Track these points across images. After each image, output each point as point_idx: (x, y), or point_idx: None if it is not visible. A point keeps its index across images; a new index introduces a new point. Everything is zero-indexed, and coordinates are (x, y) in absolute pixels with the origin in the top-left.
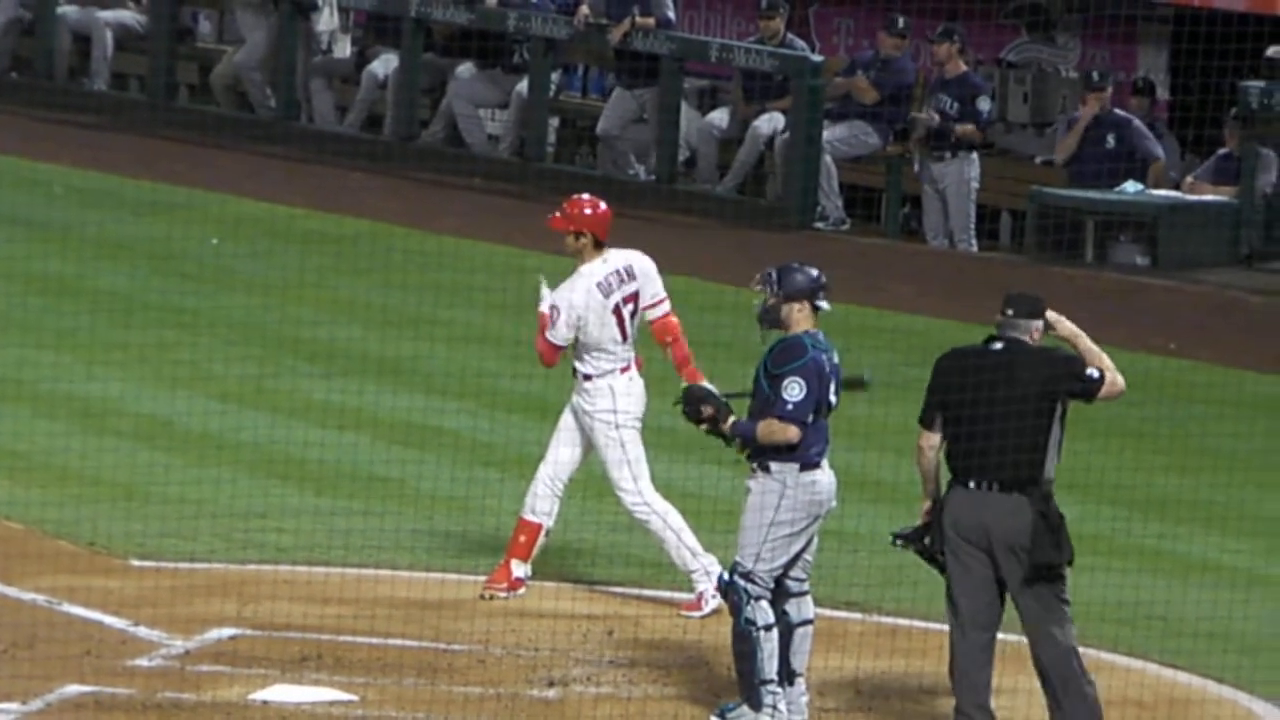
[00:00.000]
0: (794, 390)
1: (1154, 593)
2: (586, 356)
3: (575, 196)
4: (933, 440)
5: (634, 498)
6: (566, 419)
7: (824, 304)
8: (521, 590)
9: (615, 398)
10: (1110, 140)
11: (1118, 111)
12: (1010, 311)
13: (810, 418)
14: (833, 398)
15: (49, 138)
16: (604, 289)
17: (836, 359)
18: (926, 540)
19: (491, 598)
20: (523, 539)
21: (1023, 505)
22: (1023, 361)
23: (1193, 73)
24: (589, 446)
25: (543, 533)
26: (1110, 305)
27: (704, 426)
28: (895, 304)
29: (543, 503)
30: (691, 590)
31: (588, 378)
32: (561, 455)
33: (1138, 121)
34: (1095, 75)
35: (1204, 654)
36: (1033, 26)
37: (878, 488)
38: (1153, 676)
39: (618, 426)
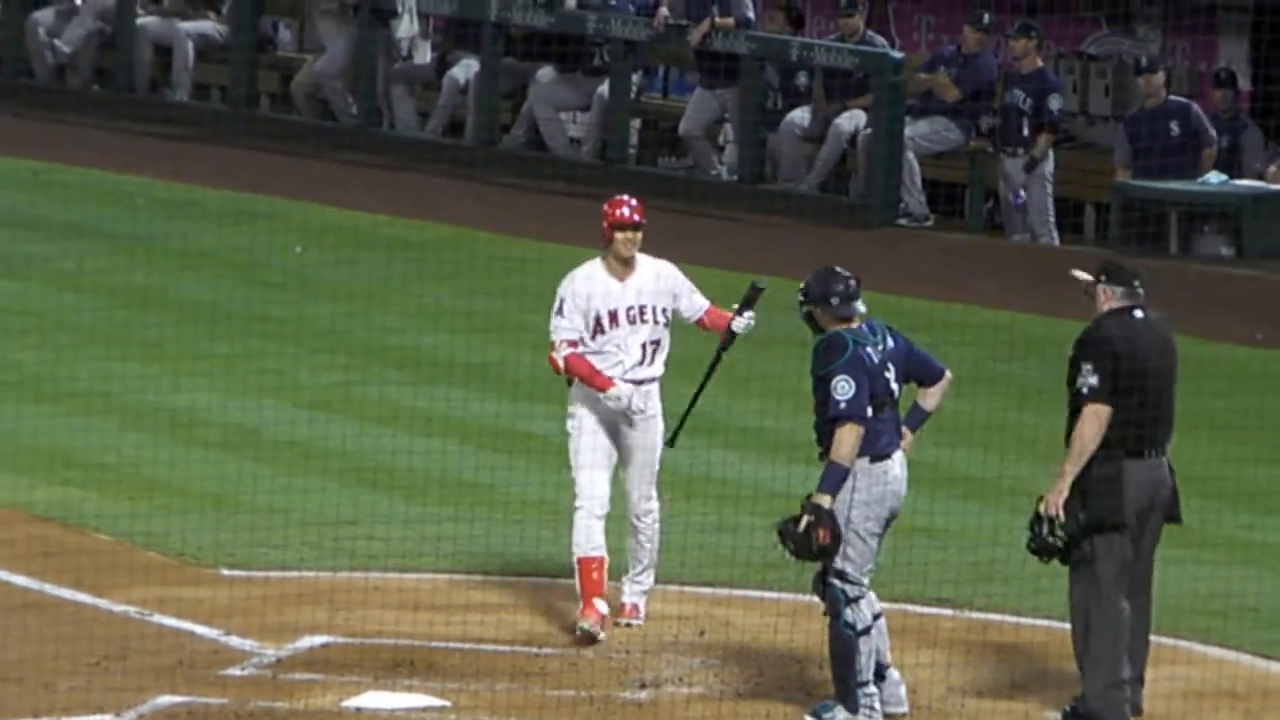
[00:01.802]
0: (842, 388)
1: (1245, 584)
2: (660, 356)
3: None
4: (1108, 414)
5: (657, 503)
6: (600, 439)
7: (854, 308)
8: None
9: (659, 396)
10: (1174, 128)
11: (1176, 98)
12: (1137, 283)
13: (868, 410)
14: (893, 385)
15: (131, 150)
16: None
17: (894, 344)
18: (1051, 535)
19: (590, 632)
20: (595, 576)
21: (1167, 466)
22: (1164, 329)
23: (1275, 62)
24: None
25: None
26: (1195, 296)
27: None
28: (980, 299)
29: (597, 535)
30: (622, 601)
31: (654, 380)
32: (607, 484)
33: (1197, 107)
34: (1144, 60)
35: None
36: (1113, 19)
37: (967, 483)
38: (1246, 668)
39: (661, 429)
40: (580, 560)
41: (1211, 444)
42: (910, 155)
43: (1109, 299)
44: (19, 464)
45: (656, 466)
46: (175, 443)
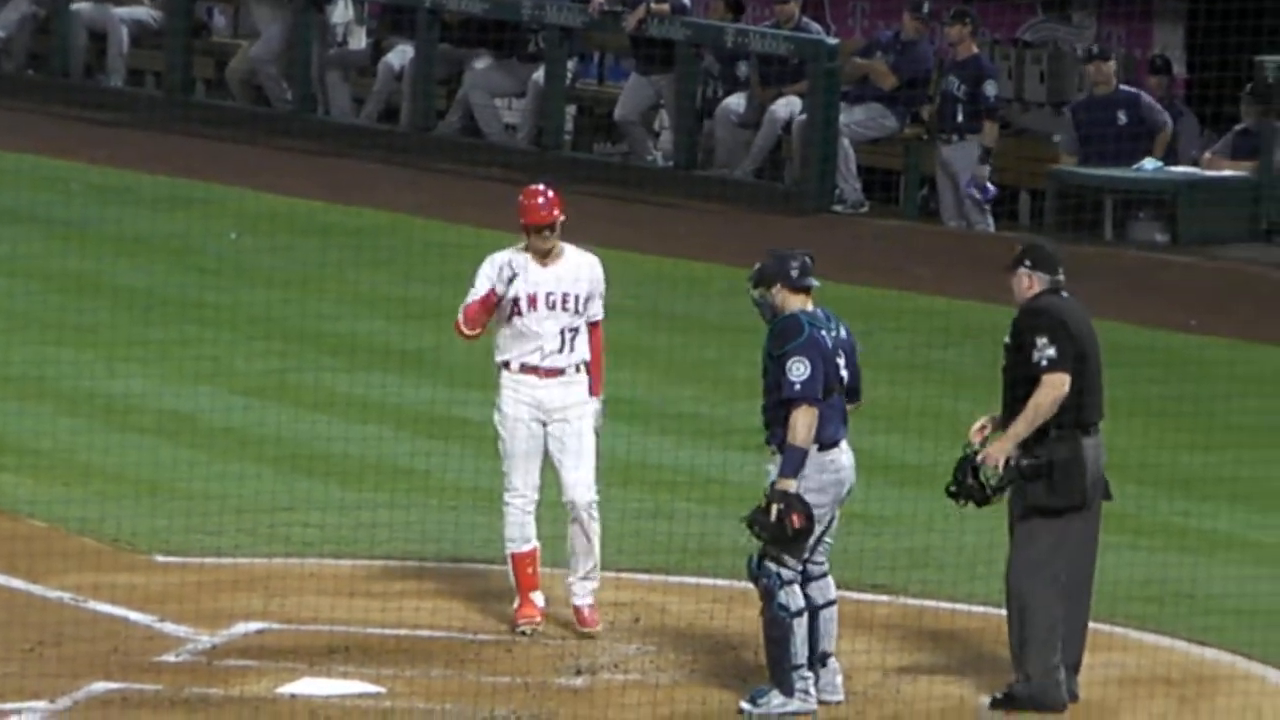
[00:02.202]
0: (798, 369)
1: (1180, 570)
2: (580, 342)
3: (533, 187)
4: (1067, 384)
5: (596, 497)
6: (524, 430)
7: (810, 281)
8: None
9: (587, 387)
10: (1122, 117)
11: (1125, 88)
12: (1061, 269)
13: (821, 394)
14: (844, 373)
15: (65, 135)
16: None
17: (845, 334)
18: (974, 480)
19: (529, 632)
20: (530, 570)
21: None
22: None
23: (1210, 49)
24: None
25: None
26: (1130, 282)
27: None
28: (915, 285)
29: (529, 529)
30: (577, 604)
31: (578, 368)
32: (535, 475)
33: (1146, 96)
34: (1095, 48)
35: (1232, 630)
36: (1048, 5)
37: (902, 470)
38: (1181, 653)
39: (592, 417)
40: (514, 556)
41: (1146, 430)
42: (845, 142)
43: (1034, 284)
44: None
45: (593, 456)
46: (110, 428)
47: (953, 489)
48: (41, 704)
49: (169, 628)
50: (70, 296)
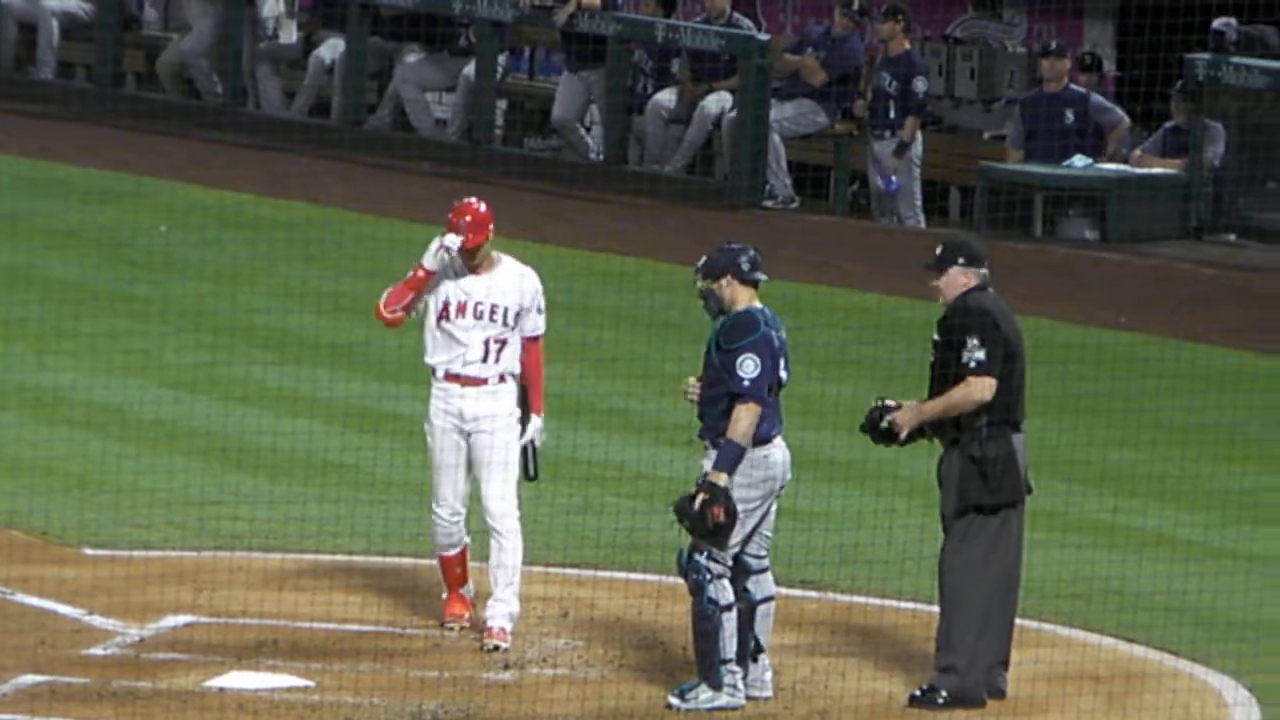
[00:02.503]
0: (749, 367)
1: (1109, 567)
2: (507, 354)
3: (466, 202)
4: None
5: (516, 511)
6: (450, 440)
7: (759, 275)
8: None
9: (516, 402)
10: (1069, 116)
11: (1075, 87)
12: (986, 265)
13: (766, 393)
14: (783, 374)
15: None
16: None
17: (785, 335)
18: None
19: (459, 629)
20: (458, 570)
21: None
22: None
23: (1140, 46)
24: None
25: (467, 550)
26: (1060, 279)
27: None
28: (846, 281)
29: (455, 535)
30: (490, 625)
31: (503, 379)
32: (460, 484)
33: (1097, 96)
34: (1053, 44)
35: (1160, 627)
36: (979, 3)
37: (831, 466)
38: (1109, 650)
39: (518, 431)
40: (441, 559)
41: (1076, 427)
42: (776, 138)
43: (968, 279)
44: None
45: (513, 473)
46: (39, 421)
47: (865, 428)
48: None
49: (97, 621)
50: (0, 289)
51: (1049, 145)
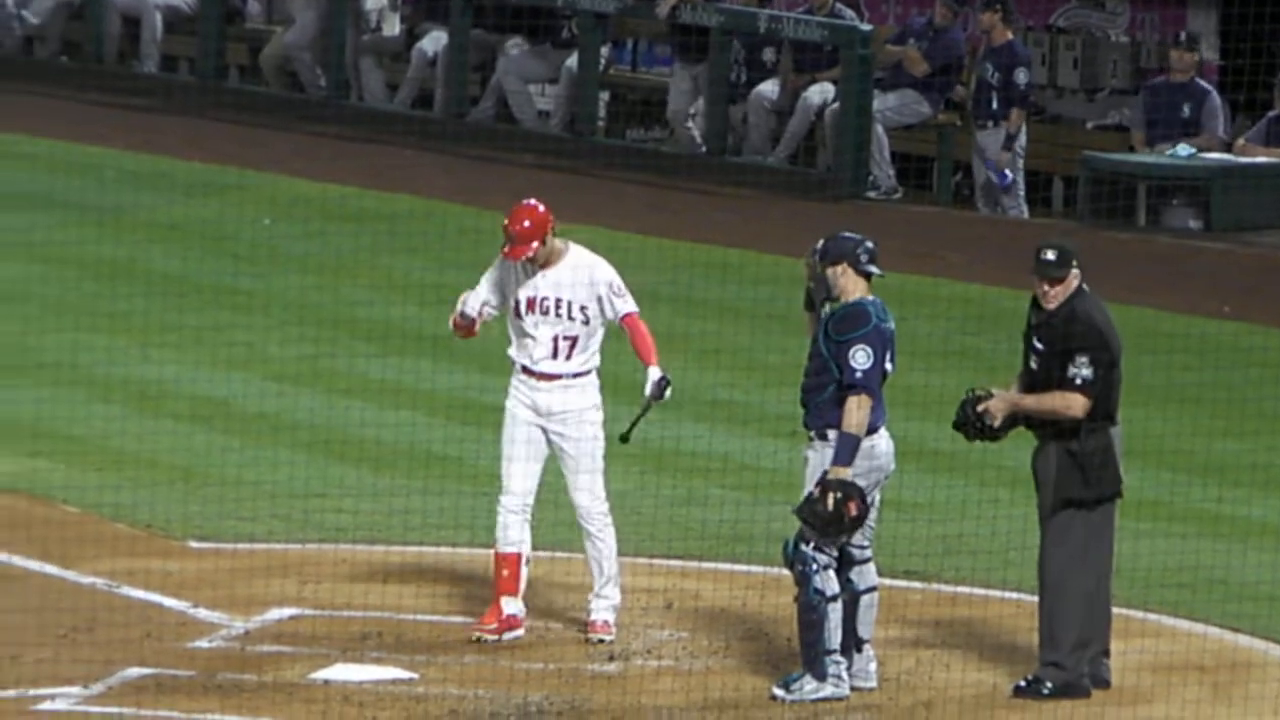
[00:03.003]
0: (861, 358)
1: (1213, 556)
2: (580, 352)
3: (521, 209)
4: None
5: (604, 505)
6: (523, 431)
7: (873, 269)
8: (520, 630)
9: (598, 392)
10: (1186, 109)
11: (1200, 82)
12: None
13: (878, 385)
14: (889, 365)
15: (99, 121)
16: None
17: (894, 327)
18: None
19: (480, 639)
20: (505, 573)
21: None
22: None
23: (1244, 35)
24: (547, 457)
25: (524, 561)
26: (1164, 269)
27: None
28: (949, 272)
29: (514, 531)
30: (592, 619)
31: (578, 375)
32: (530, 477)
33: (1216, 97)
34: (1183, 35)
35: (1265, 617)
36: None
37: (934, 457)
38: (1214, 640)
39: (601, 425)
40: (495, 556)
41: (1180, 417)
42: (879, 128)
43: (1075, 281)
44: None
45: (598, 466)
46: (144, 415)
47: (958, 424)
48: (75, 689)
49: (202, 613)
50: (104, 283)
51: (1166, 134)
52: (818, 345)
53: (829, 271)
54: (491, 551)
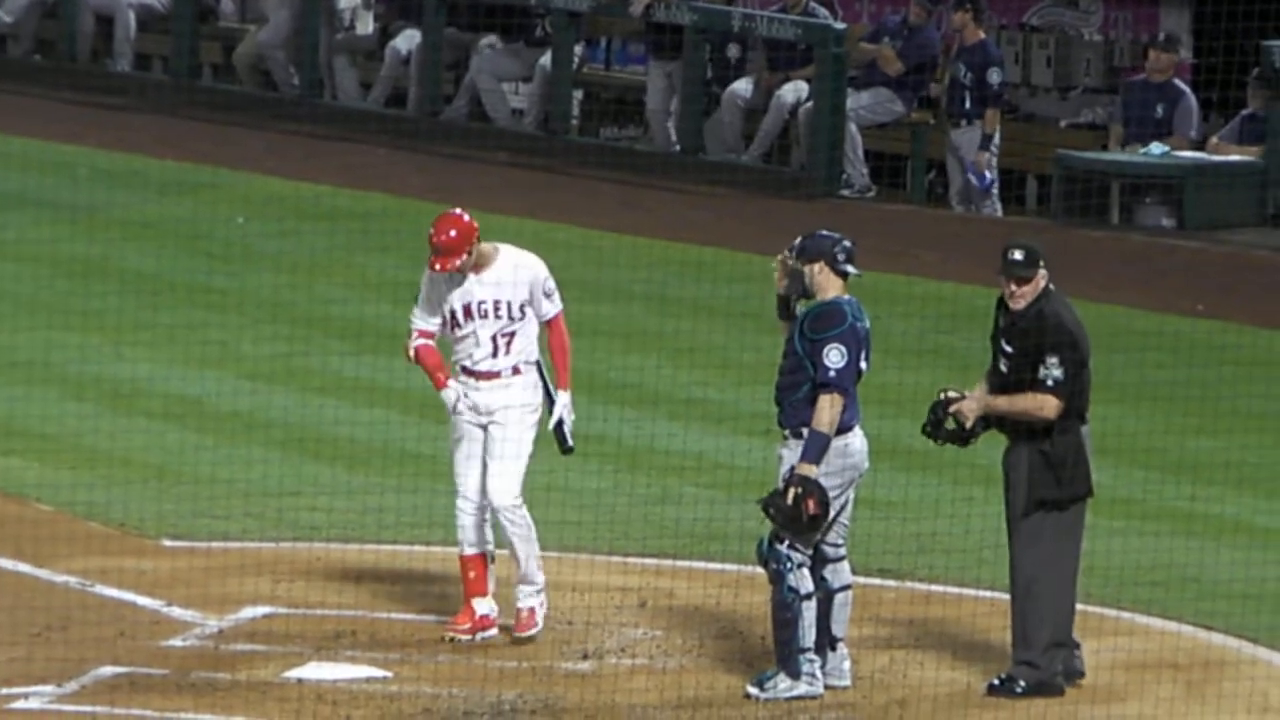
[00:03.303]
0: (834, 357)
1: (1187, 555)
2: (518, 344)
3: (445, 219)
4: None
5: (517, 499)
6: (467, 431)
7: (850, 268)
8: (493, 630)
9: (536, 390)
10: (1159, 109)
11: (1178, 83)
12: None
13: (851, 384)
14: (863, 364)
15: (73, 119)
16: None
17: (868, 325)
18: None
19: (453, 640)
20: (473, 575)
21: None
22: None
23: (1216, 33)
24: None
25: (489, 560)
26: (1137, 267)
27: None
28: (922, 270)
29: (472, 533)
30: (517, 606)
31: (516, 370)
32: (476, 477)
33: (1190, 99)
34: (1163, 36)
35: (1238, 615)
36: None
37: (908, 455)
38: (1187, 638)
39: (535, 425)
40: (460, 559)
41: (1153, 415)
42: (852, 126)
43: (1042, 281)
44: None
45: (522, 461)
46: (117, 413)
47: (929, 430)
48: (49, 688)
49: (176, 612)
50: (77, 281)
51: (1139, 133)
52: (793, 344)
53: (806, 269)
54: (455, 549)
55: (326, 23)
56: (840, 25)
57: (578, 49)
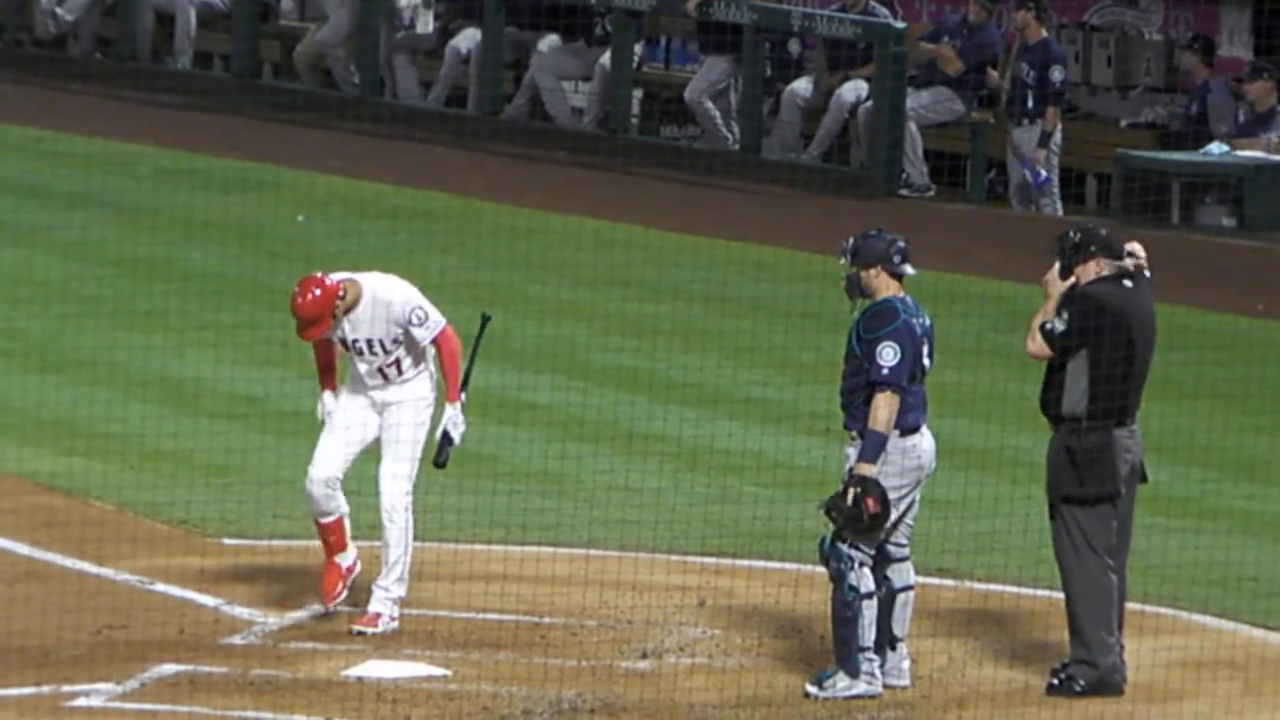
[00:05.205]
0: (888, 354)
1: (1245, 553)
2: (407, 363)
3: (299, 292)
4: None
5: (406, 498)
6: (353, 402)
7: (907, 269)
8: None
9: (431, 383)
10: (1193, 107)
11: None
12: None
13: (906, 381)
14: (926, 361)
15: (133, 118)
16: None
17: (929, 322)
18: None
19: (360, 633)
20: (332, 539)
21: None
22: (1149, 296)
23: (1275, 31)
24: (368, 442)
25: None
26: (1197, 267)
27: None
28: (981, 269)
29: (324, 503)
30: (369, 606)
31: (407, 383)
32: (333, 460)
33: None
34: (1247, 70)
35: None
36: None
37: (968, 454)
38: (1244, 637)
39: (427, 420)
40: (318, 526)
41: (1212, 414)
42: (912, 126)
43: (1100, 268)
44: (22, 433)
45: (413, 457)
46: (179, 412)
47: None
48: (109, 686)
49: (236, 610)
50: (139, 281)
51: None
52: (851, 346)
53: (862, 274)
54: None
55: (386, 22)
56: (900, 24)
57: (637, 48)
